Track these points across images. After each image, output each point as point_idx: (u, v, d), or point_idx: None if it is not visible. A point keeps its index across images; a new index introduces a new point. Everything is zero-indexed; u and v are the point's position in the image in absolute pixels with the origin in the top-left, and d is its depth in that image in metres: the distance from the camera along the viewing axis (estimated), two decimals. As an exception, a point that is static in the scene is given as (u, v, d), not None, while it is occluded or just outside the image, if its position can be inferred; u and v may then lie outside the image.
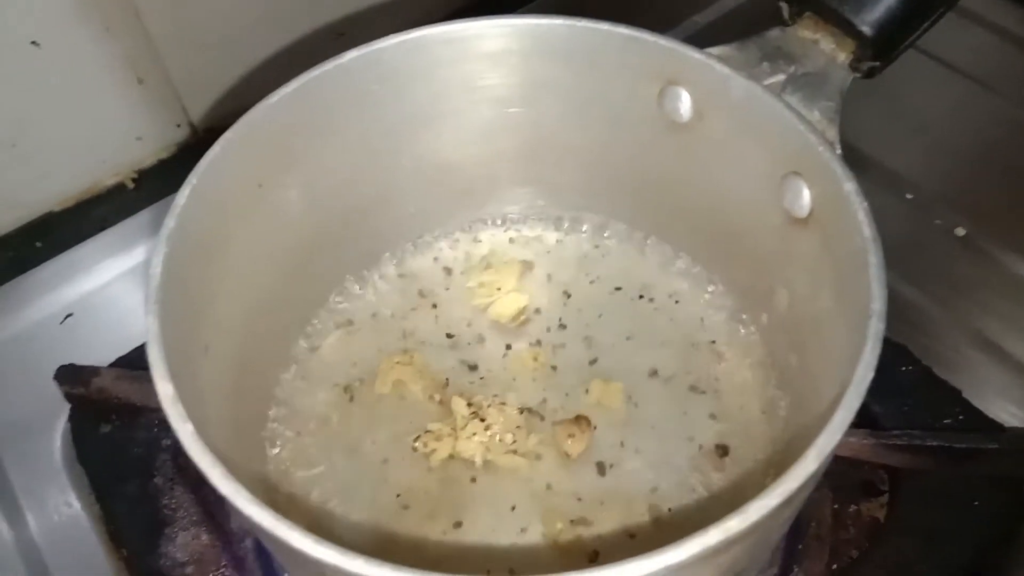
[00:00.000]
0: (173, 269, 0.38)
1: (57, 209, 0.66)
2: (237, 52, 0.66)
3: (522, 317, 0.53)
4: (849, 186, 0.37)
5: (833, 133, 0.41)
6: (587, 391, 0.50)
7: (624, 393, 0.50)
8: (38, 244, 0.65)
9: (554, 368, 0.51)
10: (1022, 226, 0.62)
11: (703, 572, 0.32)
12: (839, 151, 0.39)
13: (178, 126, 0.68)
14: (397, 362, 0.51)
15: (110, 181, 0.68)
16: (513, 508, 0.46)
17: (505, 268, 0.55)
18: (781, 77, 0.43)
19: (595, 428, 0.48)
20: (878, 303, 0.33)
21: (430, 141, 0.51)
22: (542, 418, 0.49)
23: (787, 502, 0.30)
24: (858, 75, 0.43)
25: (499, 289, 0.54)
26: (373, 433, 0.49)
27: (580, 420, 0.48)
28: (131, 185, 0.68)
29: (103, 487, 0.54)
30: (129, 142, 0.67)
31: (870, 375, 0.32)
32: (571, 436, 0.47)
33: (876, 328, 0.33)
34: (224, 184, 0.43)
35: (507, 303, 0.53)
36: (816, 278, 0.42)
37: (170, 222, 0.39)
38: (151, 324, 0.36)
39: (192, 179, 0.41)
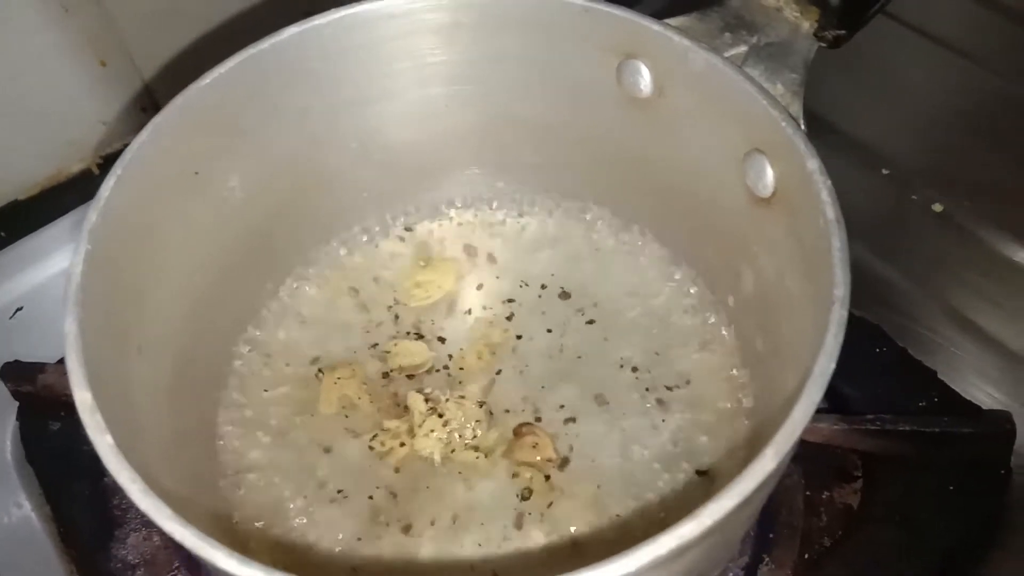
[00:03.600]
0: (98, 267, 0.36)
1: (22, 198, 0.65)
2: (204, 33, 0.64)
3: (424, 367, 0.49)
4: (812, 164, 0.35)
5: (797, 107, 0.39)
6: (543, 387, 0.48)
7: (586, 386, 0.48)
8: (2, 234, 0.63)
9: (515, 355, 0.49)
10: (1000, 202, 0.60)
11: (657, 577, 0.30)
12: (803, 127, 0.37)
13: (143, 110, 0.67)
14: (339, 377, 0.48)
15: (75, 168, 0.67)
16: (472, 507, 0.45)
17: (443, 266, 0.53)
18: (743, 48, 0.41)
19: (563, 422, 0.47)
20: (841, 289, 0.32)
21: (377, 121, 0.48)
22: (506, 411, 0.47)
23: (745, 503, 0.28)
24: (823, 44, 0.41)
25: (439, 288, 0.52)
26: (325, 434, 0.47)
27: (531, 429, 0.46)
28: (97, 171, 0.67)
29: (53, 487, 0.53)
30: (94, 126, 0.66)
31: (831, 365, 0.30)
32: (534, 445, 0.45)
33: (839, 315, 0.31)
34: (155, 173, 0.40)
35: (410, 351, 0.50)
36: (782, 259, 0.40)
37: (92, 216, 0.37)
38: (69, 327, 0.34)
39: (117, 169, 0.38)
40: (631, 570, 0.26)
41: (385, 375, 0.49)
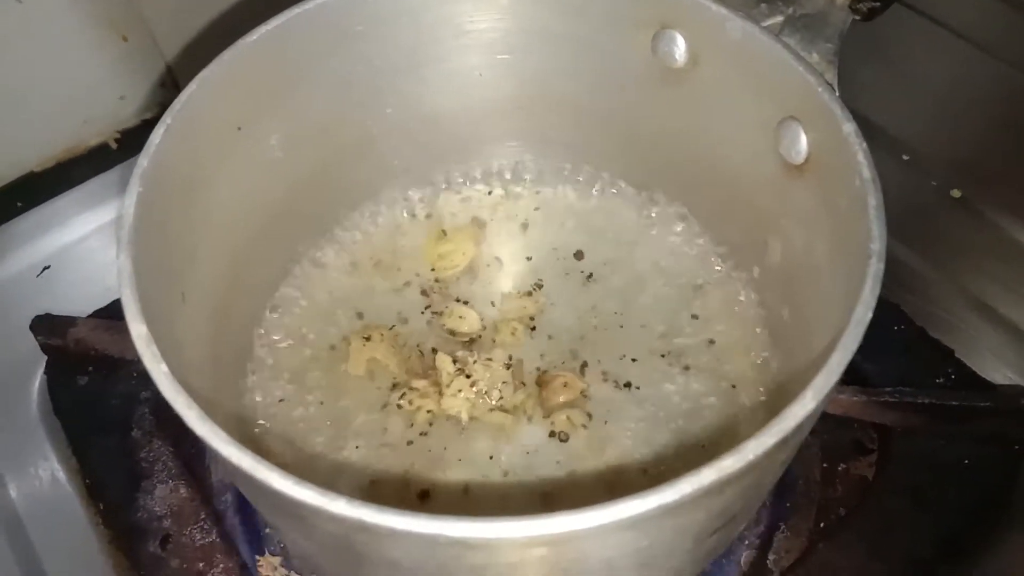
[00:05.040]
0: (147, 211, 0.37)
1: (38, 170, 0.65)
2: (225, 9, 0.64)
3: (474, 334, 0.50)
4: (848, 127, 0.35)
5: (832, 75, 0.40)
6: (569, 351, 0.49)
7: (612, 351, 0.49)
8: (19, 204, 0.63)
9: (535, 329, 0.50)
10: (1018, 188, 0.61)
11: (696, 515, 0.31)
12: (838, 93, 0.38)
13: (162, 85, 0.67)
14: (367, 338, 0.49)
15: (93, 141, 0.67)
16: (503, 470, 0.45)
17: (465, 234, 0.54)
18: (779, 19, 0.41)
19: (587, 386, 0.48)
20: (878, 243, 0.33)
21: (415, 88, 0.49)
22: (537, 371, 0.48)
23: (783, 442, 0.29)
24: (858, 17, 0.42)
25: (464, 253, 0.53)
26: (356, 388, 0.48)
27: (554, 373, 0.47)
28: (114, 146, 0.67)
29: (79, 440, 0.53)
30: (112, 101, 0.66)
31: (868, 315, 0.31)
32: (564, 385, 0.46)
33: (876, 268, 0.32)
34: (201, 125, 0.41)
35: (461, 319, 0.51)
36: (811, 228, 0.41)
37: (143, 161, 0.38)
38: (124, 265, 0.34)
39: (167, 118, 0.39)
40: (674, 499, 0.27)
41: (411, 341, 0.50)
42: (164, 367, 0.31)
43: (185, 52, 0.66)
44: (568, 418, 0.46)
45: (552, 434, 0.46)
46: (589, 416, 0.46)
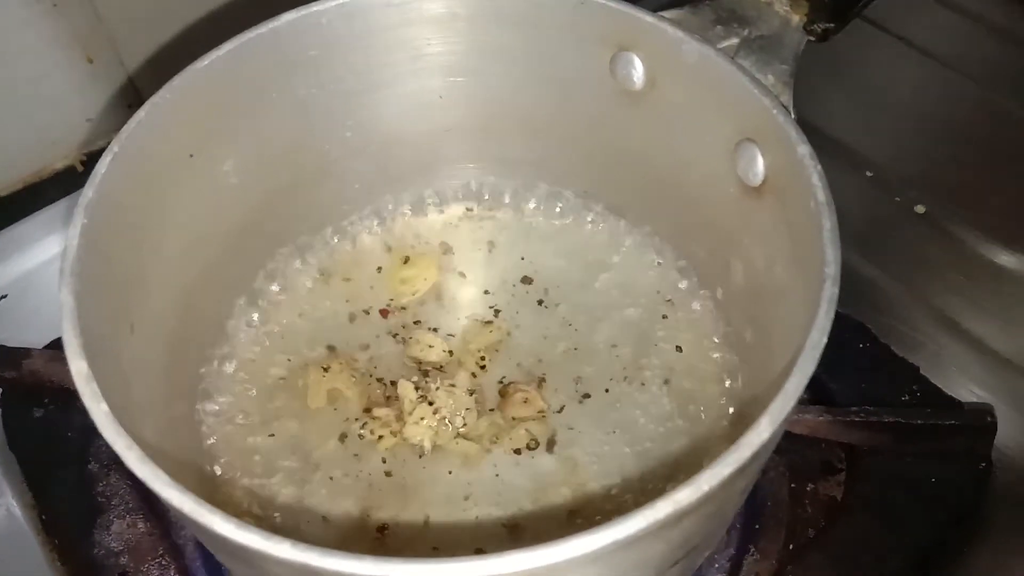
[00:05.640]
0: (93, 243, 0.36)
1: (4, 193, 0.65)
2: (191, 31, 0.64)
3: (440, 362, 0.50)
4: (803, 149, 0.35)
5: (787, 97, 0.40)
6: (533, 376, 0.48)
7: (576, 374, 0.48)
8: (-17, 228, 0.62)
9: (499, 352, 0.50)
10: (982, 204, 0.61)
11: (655, 547, 0.30)
12: (793, 115, 0.37)
13: (129, 107, 0.66)
14: (325, 369, 0.48)
15: (59, 164, 0.66)
16: (466, 497, 0.45)
17: (426, 260, 0.53)
18: (735, 40, 0.41)
19: (555, 412, 0.47)
20: (832, 267, 0.32)
21: (372, 112, 0.49)
22: (496, 399, 0.48)
23: (740, 471, 0.28)
24: (812, 38, 0.42)
25: (425, 279, 0.52)
26: (315, 418, 0.47)
27: (516, 387, 0.47)
28: (81, 168, 0.66)
29: (35, 474, 0.52)
30: (79, 123, 0.65)
31: (823, 339, 0.31)
32: (524, 401, 0.46)
33: (830, 292, 0.32)
34: (151, 153, 0.41)
35: (429, 348, 0.50)
36: (771, 249, 0.41)
37: (88, 192, 0.37)
38: (65, 299, 0.33)
39: (114, 146, 0.38)
40: (629, 533, 0.27)
41: (371, 369, 0.49)
42: (104, 406, 0.31)
43: (152, 74, 0.65)
44: (527, 431, 0.45)
45: (516, 451, 0.46)
46: (553, 440, 0.46)
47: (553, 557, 0.27)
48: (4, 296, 0.60)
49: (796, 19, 0.42)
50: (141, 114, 0.40)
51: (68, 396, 0.52)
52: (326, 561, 0.27)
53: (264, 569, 0.30)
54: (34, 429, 0.53)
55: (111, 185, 0.38)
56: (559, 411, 0.47)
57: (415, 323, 0.51)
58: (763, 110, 0.38)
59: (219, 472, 0.45)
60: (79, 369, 0.31)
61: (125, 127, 0.39)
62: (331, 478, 0.45)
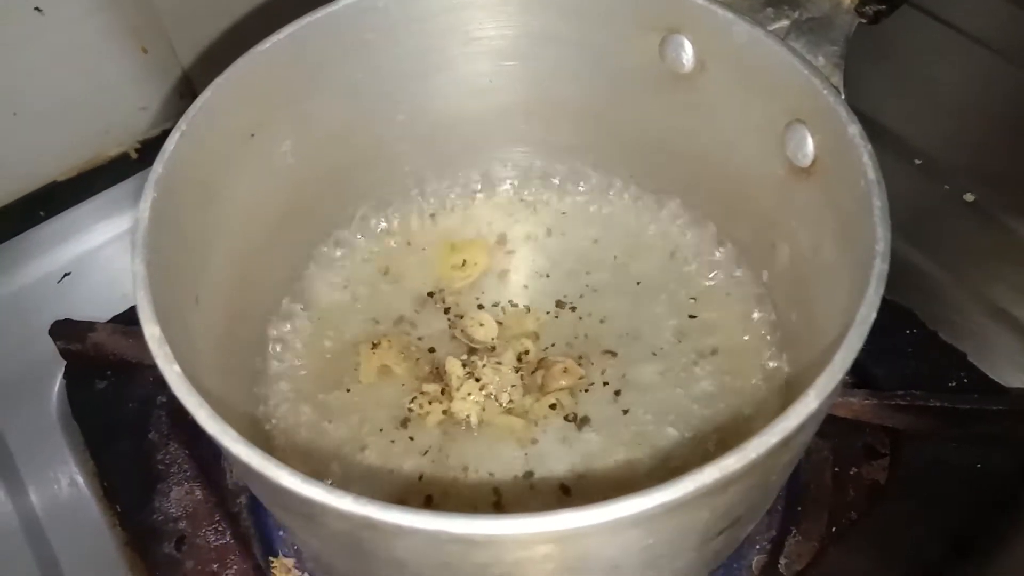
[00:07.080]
0: (162, 216, 0.38)
1: (60, 179, 0.66)
2: (243, 20, 0.66)
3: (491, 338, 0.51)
4: (853, 129, 0.36)
5: (838, 78, 0.40)
6: (580, 356, 0.49)
7: (620, 354, 0.49)
8: (41, 213, 0.65)
9: (545, 334, 0.50)
10: (1030, 194, 0.61)
11: (700, 514, 0.31)
12: (843, 96, 0.38)
13: (182, 96, 0.68)
14: (375, 345, 0.49)
15: (113, 151, 0.68)
16: (514, 468, 0.46)
17: (476, 245, 0.54)
18: (785, 23, 0.42)
19: (591, 385, 0.48)
20: (882, 244, 0.33)
21: (425, 95, 0.50)
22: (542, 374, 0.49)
23: (786, 442, 0.29)
24: (863, 20, 0.42)
25: (476, 264, 0.53)
26: (366, 392, 0.49)
27: (552, 360, 0.48)
28: (135, 156, 0.68)
29: (97, 443, 0.54)
30: (133, 112, 0.67)
31: (872, 315, 0.31)
32: (564, 370, 0.47)
33: (880, 269, 0.32)
34: (215, 132, 0.42)
35: (481, 326, 0.51)
36: (818, 230, 0.41)
37: (158, 167, 0.39)
38: (138, 268, 0.35)
39: (182, 125, 0.40)
40: (676, 496, 0.27)
41: (420, 347, 0.50)
42: (177, 368, 0.32)
43: (203, 63, 0.67)
44: (570, 402, 0.47)
45: (565, 419, 0.47)
46: (596, 416, 0.47)
47: (602, 516, 0.28)
48: (68, 274, 0.63)
49: (847, 1, 0.42)
50: (207, 94, 0.41)
51: (129, 368, 0.54)
52: (385, 514, 0.28)
53: (324, 523, 0.31)
54: (96, 401, 0.55)
55: (178, 162, 0.40)
56: (604, 386, 0.48)
57: (463, 303, 0.52)
58: (813, 91, 0.38)
59: (273, 440, 0.47)
60: (152, 333, 0.33)
61: (191, 106, 0.41)
62: (381, 450, 0.47)
